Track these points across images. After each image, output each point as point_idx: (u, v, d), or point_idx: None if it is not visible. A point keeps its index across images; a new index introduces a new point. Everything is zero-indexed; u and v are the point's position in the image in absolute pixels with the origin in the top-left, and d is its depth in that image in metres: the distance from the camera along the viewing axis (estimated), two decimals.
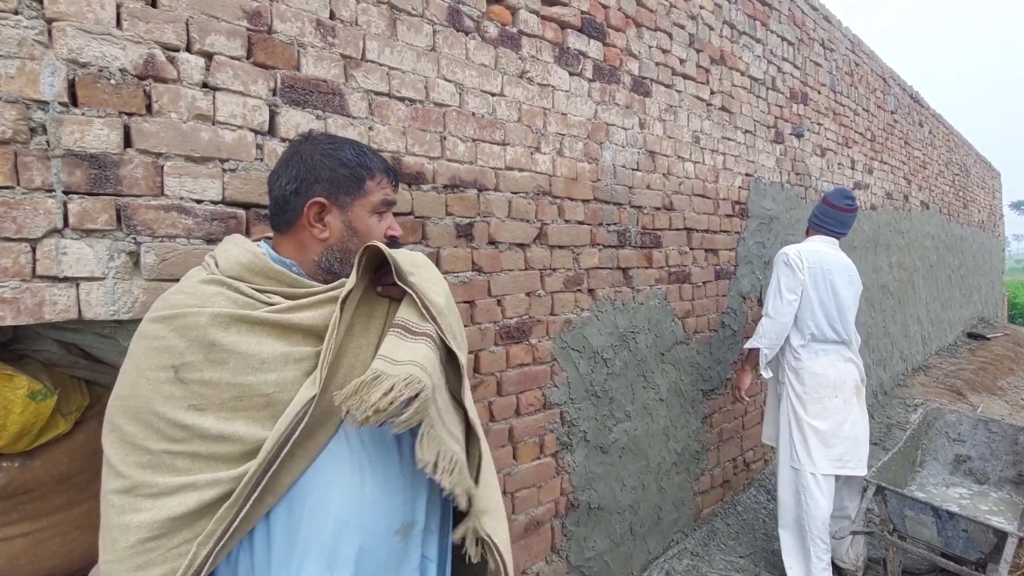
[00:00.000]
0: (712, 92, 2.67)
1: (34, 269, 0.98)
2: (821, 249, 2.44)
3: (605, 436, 2.16)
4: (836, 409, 2.35)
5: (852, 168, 4.27)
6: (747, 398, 2.58)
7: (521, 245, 1.84)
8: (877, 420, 4.49)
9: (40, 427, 1.12)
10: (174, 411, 0.78)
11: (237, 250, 0.90)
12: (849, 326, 2.43)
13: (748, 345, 2.46)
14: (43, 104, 0.99)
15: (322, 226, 0.95)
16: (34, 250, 0.98)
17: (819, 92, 3.71)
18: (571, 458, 2.03)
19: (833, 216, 2.49)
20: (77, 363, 1.20)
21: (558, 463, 1.99)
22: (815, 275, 2.37)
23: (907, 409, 4.86)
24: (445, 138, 1.60)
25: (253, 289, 0.86)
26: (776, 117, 3.21)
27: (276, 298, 0.87)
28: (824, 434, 2.33)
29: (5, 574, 1.15)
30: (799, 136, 3.44)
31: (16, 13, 0.96)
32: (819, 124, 3.72)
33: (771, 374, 2.48)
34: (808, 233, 2.61)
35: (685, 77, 2.51)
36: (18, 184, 0.97)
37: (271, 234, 1.01)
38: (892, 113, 5.13)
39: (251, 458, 0.79)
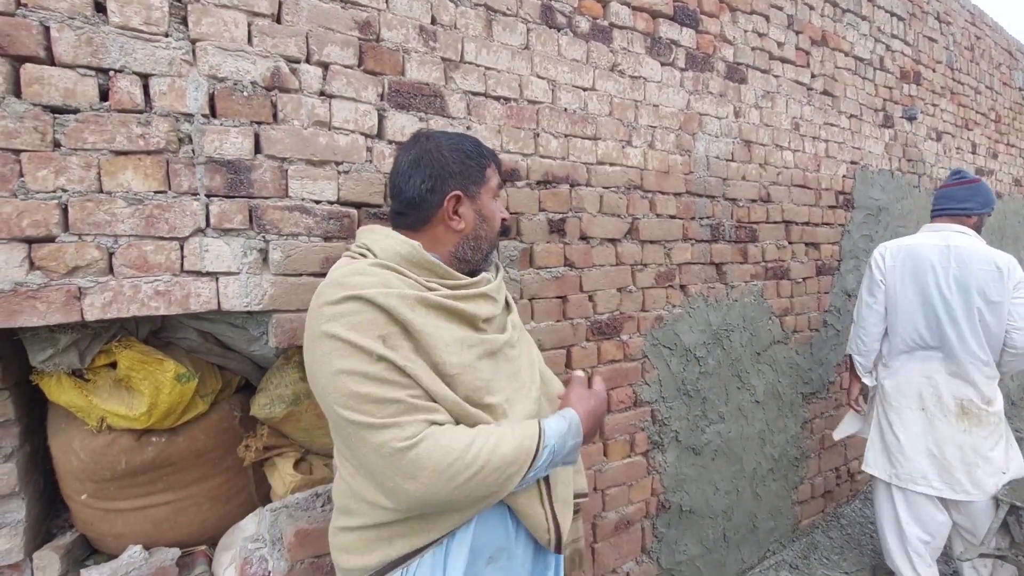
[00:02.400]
0: (813, 76, 2.50)
1: (182, 265, 1.10)
2: (920, 242, 2.10)
3: (697, 437, 2.09)
4: (915, 422, 2.07)
5: (973, 152, 3.84)
6: (857, 407, 2.30)
7: (612, 240, 1.81)
8: None
9: (183, 407, 1.25)
10: (394, 368, 0.83)
11: (392, 241, 0.96)
12: (963, 333, 2.00)
13: (846, 351, 2.30)
14: (189, 116, 1.10)
15: (459, 218, 1.01)
16: (182, 248, 1.10)
17: (934, 70, 3.37)
18: (662, 458, 1.98)
19: (942, 195, 2.19)
20: (212, 350, 1.33)
21: (649, 462, 1.95)
22: (897, 275, 2.09)
23: None
24: (538, 135, 1.61)
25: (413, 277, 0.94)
26: (884, 99, 2.95)
27: (433, 285, 0.94)
28: (902, 447, 2.08)
29: (151, 537, 1.29)
30: (911, 119, 3.14)
31: (166, 36, 1.08)
32: (934, 105, 3.38)
33: (874, 382, 2.23)
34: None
35: (783, 61, 2.37)
36: (169, 188, 1.08)
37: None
38: (1021, 90, 4.56)
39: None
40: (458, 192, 1.00)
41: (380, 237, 0.97)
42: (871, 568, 2.41)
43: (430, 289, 0.93)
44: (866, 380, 2.22)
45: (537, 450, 0.89)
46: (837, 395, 2.76)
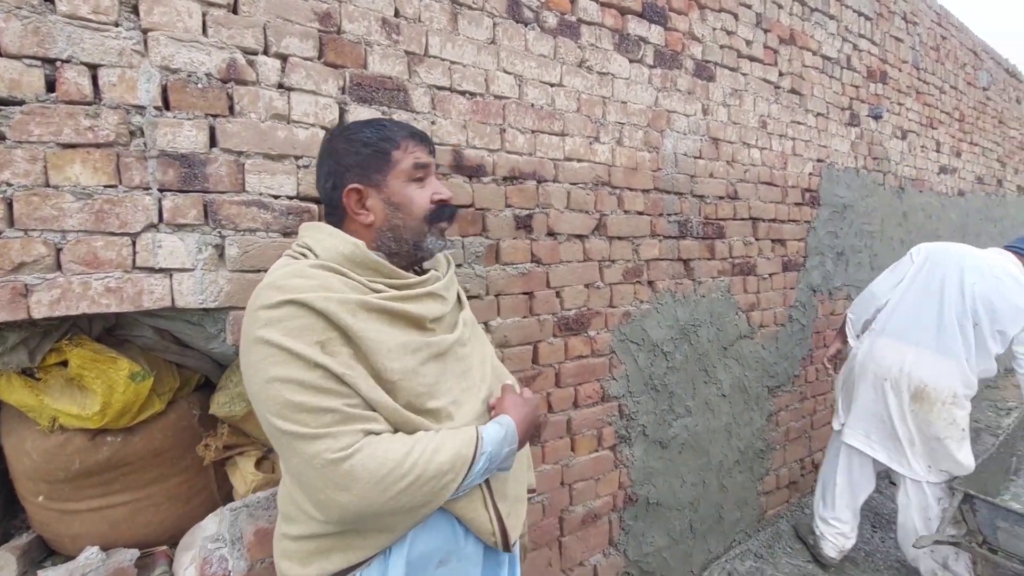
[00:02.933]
0: (780, 74, 2.54)
1: (134, 261, 1.08)
2: (972, 252, 2.24)
3: (665, 431, 2.12)
4: (877, 390, 2.25)
5: (937, 151, 3.95)
6: (827, 364, 2.53)
7: (580, 236, 1.82)
8: None
9: (139, 406, 1.23)
10: (331, 375, 0.81)
11: (336, 240, 0.93)
12: (948, 338, 2.15)
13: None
14: (140, 109, 1.07)
15: (366, 211, 0.97)
16: (134, 243, 1.08)
17: (900, 70, 3.45)
18: (629, 452, 2.01)
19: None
20: (169, 348, 1.30)
21: (616, 456, 1.97)
22: (924, 268, 2.26)
23: (998, 413, 4.47)
24: (504, 130, 1.61)
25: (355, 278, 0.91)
26: (851, 98, 3.01)
27: (377, 286, 0.92)
28: (863, 409, 2.30)
29: (108, 538, 1.27)
30: (877, 118, 3.21)
31: (116, 25, 1.05)
32: (900, 104, 3.46)
33: (856, 344, 2.41)
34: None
35: (751, 59, 2.40)
36: (120, 183, 1.06)
37: None
38: (984, 90, 4.69)
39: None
40: (355, 185, 0.96)
41: (323, 236, 0.94)
42: (792, 526, 2.60)
43: (375, 291, 0.90)
44: (852, 341, 2.41)
45: (474, 457, 0.88)
46: (802, 388, 2.82)
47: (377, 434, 0.84)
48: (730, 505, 2.42)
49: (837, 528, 2.37)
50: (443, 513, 0.92)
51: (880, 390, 2.24)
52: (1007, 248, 2.37)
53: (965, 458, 2.20)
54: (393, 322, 0.90)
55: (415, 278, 0.97)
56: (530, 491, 1.20)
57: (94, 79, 1.04)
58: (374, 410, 0.85)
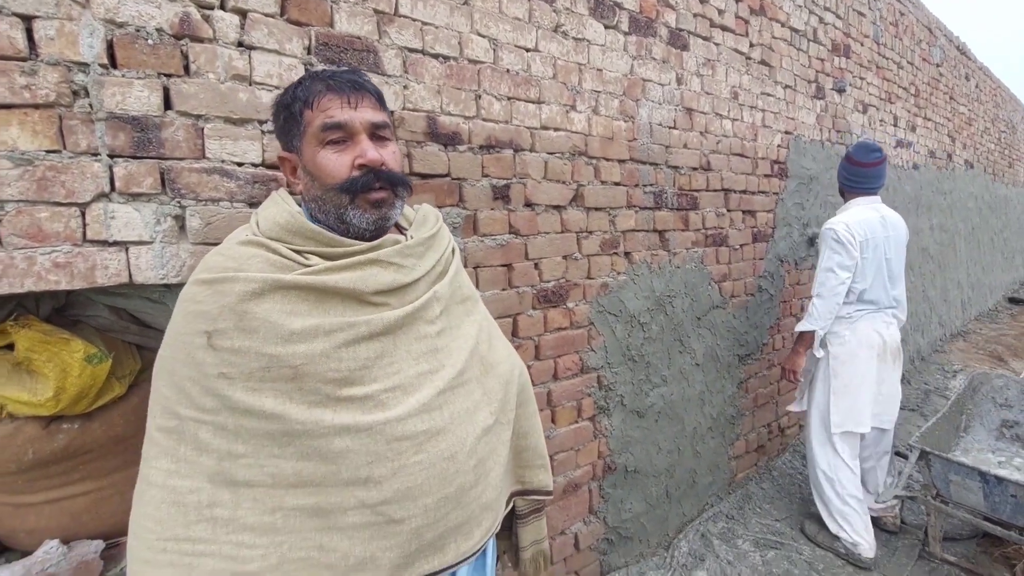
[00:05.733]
0: (751, 45, 2.54)
1: (84, 234, 0.99)
2: (868, 216, 2.33)
3: (642, 400, 2.14)
4: (875, 370, 2.33)
5: (895, 125, 4.07)
6: (802, 380, 2.50)
7: (558, 207, 1.79)
8: (914, 386, 4.39)
9: (97, 390, 1.14)
10: (204, 378, 0.76)
11: (276, 209, 0.86)
12: (899, 289, 2.39)
13: (800, 328, 2.36)
14: (84, 66, 0.98)
15: (297, 180, 0.91)
16: (83, 215, 0.99)
17: (862, 44, 3.51)
18: (608, 422, 2.02)
19: (865, 173, 2.38)
20: (128, 328, 1.22)
21: (596, 427, 1.99)
22: (867, 248, 2.29)
23: (946, 375, 4.73)
24: (480, 96, 1.55)
25: (291, 250, 0.83)
26: (817, 71, 3.05)
27: (314, 259, 0.83)
28: (861, 393, 2.31)
29: (70, 531, 1.20)
30: (841, 91, 3.27)
31: None
32: (861, 79, 3.53)
33: (823, 354, 2.38)
34: (844, 196, 2.51)
35: (724, 29, 2.39)
36: (64, 148, 0.97)
37: None
38: (937, 66, 4.85)
39: (270, 440, 0.76)
40: (282, 154, 0.90)
41: (269, 204, 0.88)
42: (800, 520, 2.60)
43: (306, 264, 0.82)
44: (817, 353, 2.37)
45: None
46: (770, 356, 2.91)
47: (197, 466, 0.77)
48: (703, 470, 2.49)
49: (860, 519, 2.32)
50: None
51: (877, 367, 2.33)
52: (869, 192, 2.42)
53: None
54: (321, 299, 0.80)
55: (358, 245, 0.85)
56: (544, 492, 1.12)
57: (28, 32, 0.93)
58: (250, 417, 0.76)
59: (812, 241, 3.06)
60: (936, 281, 5.09)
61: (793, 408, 2.55)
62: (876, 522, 2.48)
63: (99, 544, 1.17)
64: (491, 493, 0.93)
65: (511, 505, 1.10)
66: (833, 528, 2.38)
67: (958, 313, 5.85)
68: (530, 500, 1.13)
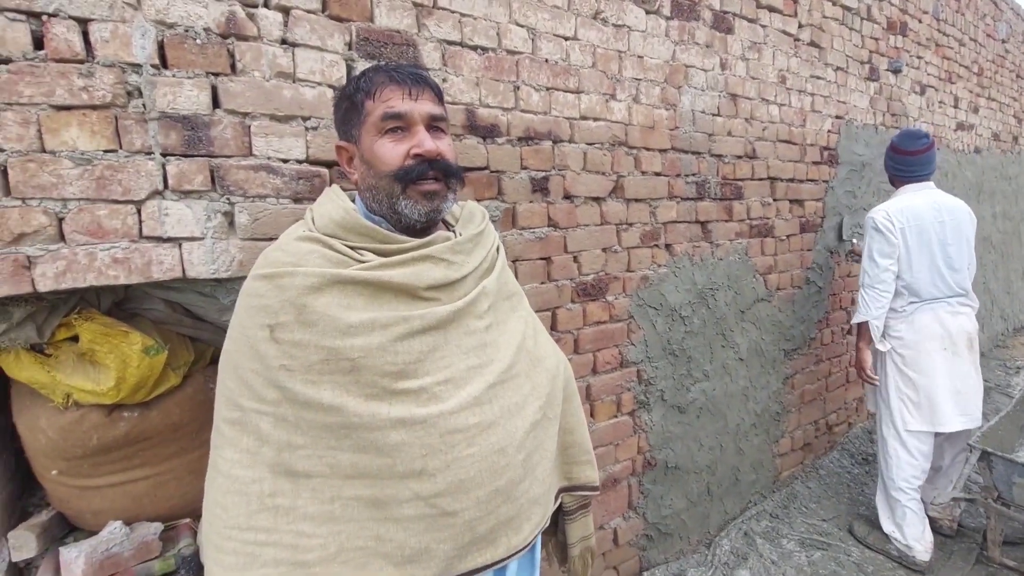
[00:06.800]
0: (800, 25, 2.43)
1: (140, 230, 1.03)
2: (915, 203, 2.21)
3: (683, 395, 2.10)
4: (944, 362, 2.19)
5: (955, 107, 3.83)
6: (875, 376, 2.34)
7: (597, 199, 1.76)
8: None
9: (154, 380, 1.19)
10: (267, 370, 0.78)
11: (331, 205, 0.88)
12: (961, 276, 2.23)
13: (854, 320, 2.30)
14: (136, 67, 1.01)
15: (353, 170, 0.92)
16: (139, 212, 1.02)
17: (920, 21, 3.31)
18: (648, 417, 1.99)
19: (913, 162, 2.27)
20: (182, 321, 1.26)
21: (635, 421, 1.96)
22: (911, 235, 2.18)
23: (1008, 372, 4.46)
24: (518, 88, 1.53)
25: (346, 246, 0.84)
26: (871, 51, 2.89)
27: (368, 255, 0.84)
28: (933, 390, 2.19)
29: (131, 513, 1.26)
30: (896, 72, 3.09)
31: None
32: (919, 58, 3.33)
33: (888, 346, 2.29)
34: (895, 184, 2.40)
35: (771, 9, 2.28)
36: (120, 147, 1.00)
37: None
38: (1003, 43, 4.52)
39: (328, 432, 0.78)
40: (340, 143, 0.92)
41: (324, 201, 0.90)
42: (849, 520, 2.50)
43: (361, 260, 0.83)
44: (880, 346, 2.27)
45: None
46: (818, 351, 2.80)
47: (259, 456, 0.79)
48: (746, 468, 2.43)
49: (918, 520, 2.24)
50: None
51: (947, 359, 2.19)
52: (919, 178, 2.31)
53: None
54: (376, 294, 0.82)
55: (411, 242, 0.87)
56: (590, 487, 1.10)
57: (85, 35, 0.97)
58: (309, 409, 0.78)
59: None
60: (999, 272, 4.79)
61: (869, 408, 2.48)
62: (932, 524, 2.37)
63: (158, 526, 1.23)
64: (539, 488, 0.93)
65: (559, 501, 1.10)
66: (887, 528, 2.28)
67: (1022, 306, 5.50)
68: (577, 496, 1.13)
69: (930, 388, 2.20)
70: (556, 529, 1.18)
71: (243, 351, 0.80)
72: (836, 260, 2.82)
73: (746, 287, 2.32)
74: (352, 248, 0.85)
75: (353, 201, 0.94)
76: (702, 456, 2.20)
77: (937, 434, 2.27)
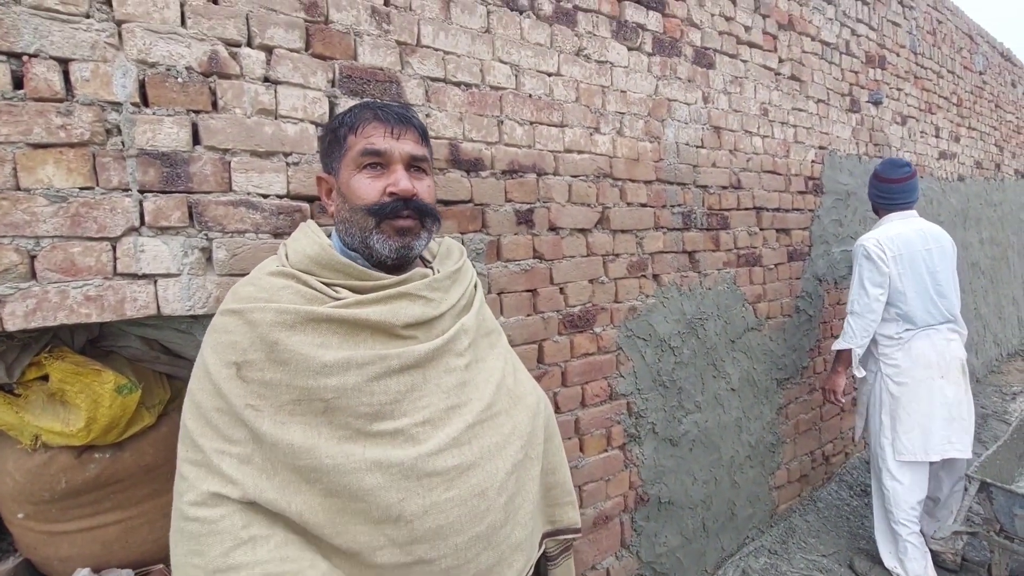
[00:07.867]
0: (780, 60, 2.49)
1: (115, 267, 1.01)
2: (902, 231, 2.24)
3: (674, 428, 2.06)
4: (939, 390, 2.17)
5: (936, 136, 3.91)
6: (843, 400, 2.39)
7: (583, 230, 1.77)
8: None
9: (127, 420, 1.16)
10: (232, 408, 0.76)
11: (305, 241, 0.87)
12: (950, 302, 2.24)
13: (837, 346, 2.30)
14: (116, 105, 1.01)
15: (331, 202, 0.92)
16: (114, 248, 1.01)
17: (898, 55, 3.41)
18: (639, 451, 1.95)
19: (896, 190, 2.32)
20: (158, 358, 1.24)
21: (626, 456, 1.92)
22: (902, 263, 2.19)
23: (1004, 398, 4.44)
24: (502, 122, 1.55)
25: (321, 282, 0.83)
26: (851, 84, 2.96)
27: (344, 292, 0.83)
28: (928, 418, 2.17)
29: (101, 559, 1.21)
30: (877, 103, 3.17)
31: (87, 16, 0.99)
32: (898, 90, 3.42)
33: (863, 373, 2.30)
34: (879, 213, 2.43)
35: (751, 45, 2.34)
36: (97, 184, 1.00)
37: None
38: (980, 74, 4.66)
39: (297, 475, 0.75)
40: (321, 175, 0.93)
41: (299, 236, 0.89)
42: (849, 555, 2.44)
43: (336, 296, 0.81)
44: (857, 372, 2.27)
45: None
46: (811, 380, 2.78)
47: (224, 496, 0.74)
48: (742, 501, 2.37)
49: (920, 555, 2.19)
50: None
51: (941, 387, 2.18)
52: (903, 207, 2.34)
53: None
54: (352, 332, 0.79)
55: (388, 279, 0.85)
56: (572, 530, 1.08)
57: (65, 74, 0.97)
58: (277, 451, 0.75)
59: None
60: (989, 298, 4.82)
61: (858, 436, 2.47)
62: (935, 558, 2.31)
63: (129, 573, 1.18)
64: (521, 532, 0.89)
65: (543, 548, 1.06)
66: (889, 563, 2.22)
67: (1015, 331, 5.51)
68: (560, 540, 1.09)
69: (924, 415, 2.17)
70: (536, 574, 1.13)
71: (207, 389, 0.78)
72: (825, 288, 2.83)
73: (736, 316, 2.31)
74: (327, 284, 0.83)
75: (329, 236, 0.93)
76: (696, 490, 2.15)
77: (932, 463, 2.24)
